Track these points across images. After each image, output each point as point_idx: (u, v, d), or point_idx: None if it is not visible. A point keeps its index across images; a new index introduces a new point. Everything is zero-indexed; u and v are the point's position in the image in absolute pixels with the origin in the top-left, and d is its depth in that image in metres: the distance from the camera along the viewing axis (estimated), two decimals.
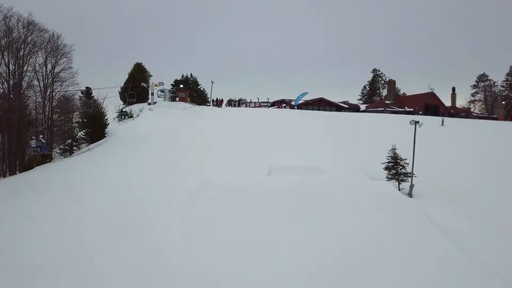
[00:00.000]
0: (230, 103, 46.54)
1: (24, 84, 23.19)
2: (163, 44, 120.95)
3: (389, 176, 14.08)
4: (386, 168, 14.22)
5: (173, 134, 23.76)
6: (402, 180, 13.89)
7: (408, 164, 13.92)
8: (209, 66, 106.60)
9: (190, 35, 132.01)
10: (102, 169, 17.21)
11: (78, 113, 32.82)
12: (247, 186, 12.39)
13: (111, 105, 42.20)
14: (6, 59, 22.05)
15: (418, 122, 14.19)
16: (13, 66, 22.24)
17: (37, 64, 23.85)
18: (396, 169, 14.01)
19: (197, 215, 10.82)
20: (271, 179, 13.83)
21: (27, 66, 22.88)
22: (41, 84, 24.34)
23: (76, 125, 32.04)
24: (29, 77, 23.62)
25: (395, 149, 14.26)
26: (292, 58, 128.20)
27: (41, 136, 22.95)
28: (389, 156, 14.27)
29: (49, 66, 24.57)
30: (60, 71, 25.34)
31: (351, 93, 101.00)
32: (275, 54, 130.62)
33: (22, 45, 22.27)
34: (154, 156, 18.72)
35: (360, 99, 66.86)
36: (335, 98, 48.99)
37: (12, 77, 22.36)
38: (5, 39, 21.39)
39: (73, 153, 23.25)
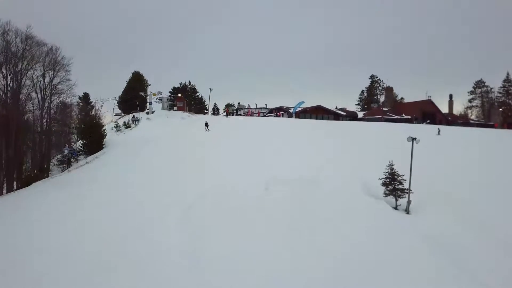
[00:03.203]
0: (229, 110, 45.66)
1: (22, 97, 23.20)
2: (163, 45, 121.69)
3: (387, 192, 14.12)
4: (383, 184, 14.26)
5: (172, 144, 23.75)
6: (400, 196, 13.92)
7: (405, 180, 13.94)
8: (208, 67, 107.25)
9: (190, 35, 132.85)
10: (100, 182, 17.20)
11: (76, 120, 33.12)
12: (246, 198, 12.84)
13: (108, 115, 42.30)
14: (4, 72, 22.06)
15: (415, 139, 14.23)
16: (11, 81, 22.23)
17: (35, 77, 23.88)
18: (393, 185, 14.05)
19: (197, 225, 11.13)
20: (269, 192, 14.07)
21: (25, 80, 22.89)
22: (39, 96, 24.34)
23: (75, 131, 32.15)
24: (27, 90, 23.63)
25: (392, 165, 14.29)
26: (291, 59, 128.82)
27: (72, 143, 24.46)
28: (386, 172, 14.30)
29: (47, 79, 24.57)
30: (58, 83, 25.36)
31: (349, 96, 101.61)
32: (275, 54, 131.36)
33: (20, 60, 22.27)
34: (153, 167, 18.73)
35: (358, 104, 67.26)
36: (333, 102, 49.31)
37: (10, 90, 22.35)
38: (3, 54, 21.39)
39: (71, 165, 23.20)
